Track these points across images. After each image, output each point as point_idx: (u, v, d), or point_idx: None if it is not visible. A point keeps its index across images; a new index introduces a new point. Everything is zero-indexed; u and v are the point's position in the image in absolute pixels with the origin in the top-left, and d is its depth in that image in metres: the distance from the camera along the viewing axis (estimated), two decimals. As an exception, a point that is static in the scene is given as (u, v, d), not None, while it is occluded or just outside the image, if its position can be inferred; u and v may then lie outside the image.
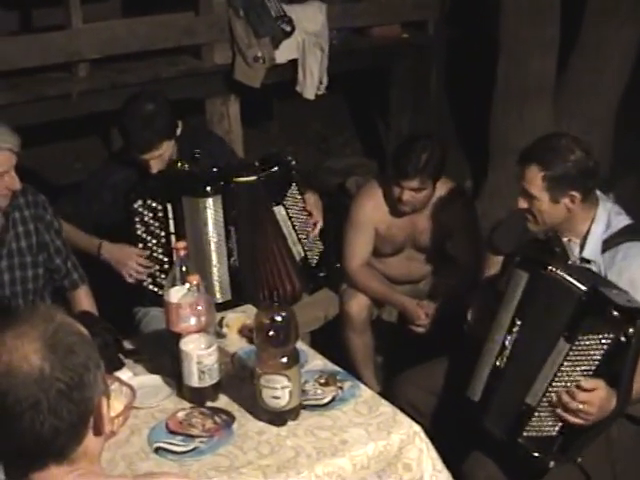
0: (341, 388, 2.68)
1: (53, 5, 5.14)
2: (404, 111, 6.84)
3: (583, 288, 2.58)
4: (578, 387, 2.58)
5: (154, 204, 3.42)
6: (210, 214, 3.41)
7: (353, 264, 3.98)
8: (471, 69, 6.54)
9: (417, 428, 2.52)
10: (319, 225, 3.74)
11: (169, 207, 3.41)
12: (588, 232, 2.92)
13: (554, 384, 2.60)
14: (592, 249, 2.91)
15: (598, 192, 3.00)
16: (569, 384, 2.59)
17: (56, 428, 1.41)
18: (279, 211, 3.57)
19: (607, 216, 2.93)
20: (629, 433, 2.83)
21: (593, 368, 2.55)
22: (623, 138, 6.57)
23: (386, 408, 2.60)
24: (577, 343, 2.53)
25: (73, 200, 3.62)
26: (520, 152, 2.98)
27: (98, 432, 1.49)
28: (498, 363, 2.80)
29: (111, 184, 3.51)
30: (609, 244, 2.89)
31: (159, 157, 3.45)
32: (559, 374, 2.58)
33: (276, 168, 3.59)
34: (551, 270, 2.68)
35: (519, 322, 2.75)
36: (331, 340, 3.94)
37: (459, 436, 2.97)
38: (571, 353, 2.55)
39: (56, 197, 3.51)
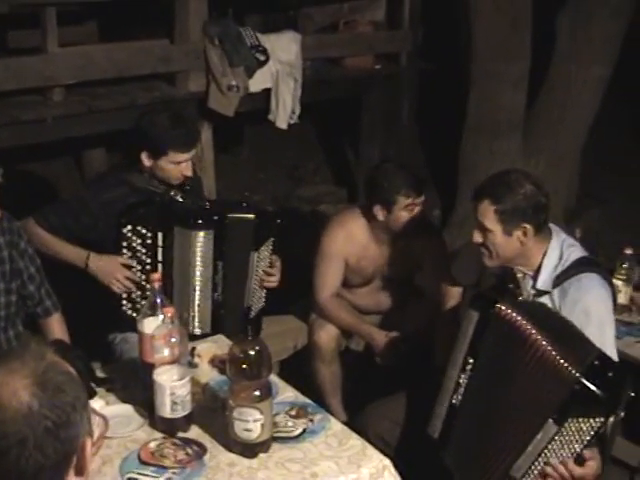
0: (312, 421, 2.70)
1: (29, 27, 5.15)
2: (374, 140, 6.91)
3: (576, 375, 2.52)
4: (576, 461, 2.58)
5: (144, 231, 3.44)
6: (200, 247, 3.44)
7: (323, 295, 4.01)
8: (442, 101, 6.63)
9: (387, 462, 2.55)
10: (273, 284, 3.74)
11: (159, 235, 3.43)
12: (541, 264, 3.02)
13: (540, 459, 2.59)
14: (545, 280, 3.01)
15: (552, 225, 3.10)
16: (557, 460, 2.58)
17: (41, 465, 1.41)
18: (252, 257, 3.59)
19: (560, 248, 3.04)
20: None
21: (582, 446, 2.55)
22: (590, 172, 6.71)
23: (356, 441, 2.62)
24: (566, 425, 2.52)
25: (58, 212, 3.59)
26: (474, 189, 3.08)
27: (80, 472, 1.50)
28: (454, 401, 2.82)
29: (104, 201, 3.49)
30: (562, 277, 2.98)
31: (191, 159, 3.52)
32: (546, 451, 2.58)
33: (265, 217, 3.64)
34: (500, 309, 2.68)
35: (471, 360, 2.76)
36: (299, 369, 3.97)
37: (425, 470, 3.01)
38: (560, 434, 2.55)
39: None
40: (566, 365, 2.53)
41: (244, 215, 3.54)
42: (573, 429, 2.53)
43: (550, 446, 2.57)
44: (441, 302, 3.84)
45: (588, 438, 2.54)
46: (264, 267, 3.66)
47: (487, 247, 3.04)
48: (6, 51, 5.55)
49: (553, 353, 2.55)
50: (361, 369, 4.23)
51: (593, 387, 2.49)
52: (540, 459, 2.60)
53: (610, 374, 2.55)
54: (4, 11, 4.79)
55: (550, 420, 2.54)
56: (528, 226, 2.97)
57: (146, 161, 3.50)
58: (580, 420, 2.52)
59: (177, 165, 3.49)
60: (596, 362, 2.57)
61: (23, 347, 1.52)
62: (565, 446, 2.56)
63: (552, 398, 2.56)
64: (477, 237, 3.05)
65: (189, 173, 3.54)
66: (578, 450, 2.56)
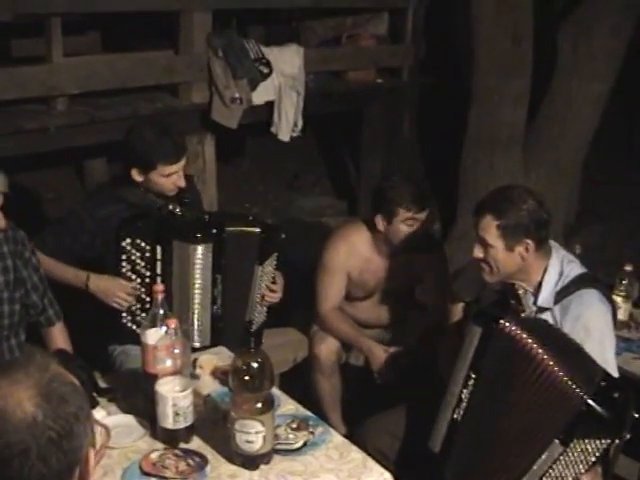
0: (312, 433, 2.71)
1: (33, 36, 5.17)
2: (375, 153, 6.93)
3: (583, 396, 2.54)
4: None
5: (143, 244, 3.43)
6: (199, 260, 3.43)
7: (325, 307, 4.02)
8: (443, 115, 6.66)
9: (387, 475, 2.55)
10: (276, 299, 3.75)
11: (158, 249, 3.43)
12: (542, 281, 3.02)
13: (544, 479, 2.61)
14: (546, 297, 3.01)
15: (551, 241, 3.11)
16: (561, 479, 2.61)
17: (43, 476, 1.41)
18: (256, 271, 3.59)
19: (560, 265, 3.04)
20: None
21: (586, 467, 2.57)
22: (591, 186, 6.73)
23: (357, 454, 2.63)
24: (572, 446, 2.54)
25: (56, 234, 3.59)
26: (476, 204, 3.08)
27: None
28: (455, 416, 2.83)
29: (100, 217, 3.50)
30: (562, 294, 2.98)
31: (181, 170, 3.51)
32: (550, 471, 2.59)
33: (270, 231, 3.64)
34: (504, 325, 2.69)
35: (474, 376, 2.76)
36: (299, 382, 3.98)
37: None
38: (565, 454, 2.56)
39: (28, 227, 3.50)
40: (573, 386, 2.54)
41: (247, 228, 3.55)
42: (578, 450, 2.54)
43: (555, 466, 2.58)
44: (442, 317, 3.86)
45: (593, 459, 2.55)
46: (267, 282, 3.66)
47: (488, 262, 3.04)
48: (10, 60, 5.57)
49: (560, 373, 2.56)
50: (361, 383, 4.23)
51: (600, 409, 2.50)
52: (544, 479, 2.61)
53: (616, 395, 2.55)
54: (7, 20, 4.80)
55: (556, 440, 2.55)
56: (530, 242, 2.97)
57: (137, 177, 3.50)
58: (586, 441, 2.53)
59: (168, 177, 3.49)
60: (602, 383, 2.59)
61: (27, 358, 1.52)
62: (570, 466, 2.57)
63: (558, 418, 2.57)
64: (478, 252, 3.05)
65: (182, 184, 3.54)
66: (582, 471, 2.57)
